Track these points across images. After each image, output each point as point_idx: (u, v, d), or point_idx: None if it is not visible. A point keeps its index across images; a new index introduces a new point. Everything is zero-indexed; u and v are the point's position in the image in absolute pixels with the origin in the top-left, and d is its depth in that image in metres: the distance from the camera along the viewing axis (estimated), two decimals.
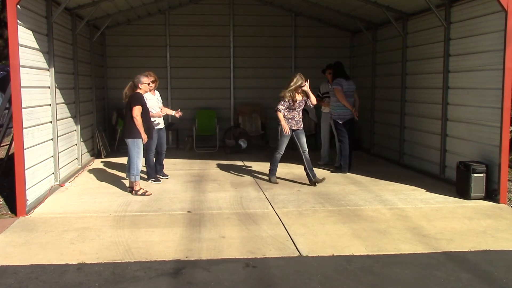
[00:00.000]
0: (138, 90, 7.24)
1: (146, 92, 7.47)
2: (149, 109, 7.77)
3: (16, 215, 6.15)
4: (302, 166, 8.00)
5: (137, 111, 7.07)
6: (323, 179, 7.99)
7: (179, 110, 8.36)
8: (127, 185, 7.56)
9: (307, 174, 7.98)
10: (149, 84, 7.96)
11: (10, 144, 9.20)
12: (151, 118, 7.68)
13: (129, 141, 7.20)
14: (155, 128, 7.97)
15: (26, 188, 6.26)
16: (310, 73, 12.07)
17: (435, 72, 8.51)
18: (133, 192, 7.23)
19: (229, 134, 11.68)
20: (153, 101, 8.03)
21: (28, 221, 5.94)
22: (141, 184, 7.42)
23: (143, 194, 7.18)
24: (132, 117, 7.06)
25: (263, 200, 6.97)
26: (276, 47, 12.51)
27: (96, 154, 10.66)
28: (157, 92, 8.27)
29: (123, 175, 8.37)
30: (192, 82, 12.31)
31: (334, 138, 9.51)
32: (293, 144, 12.56)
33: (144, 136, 7.19)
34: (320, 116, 10.06)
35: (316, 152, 9.90)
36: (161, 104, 8.31)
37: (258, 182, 8.19)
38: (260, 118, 12.26)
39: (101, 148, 10.67)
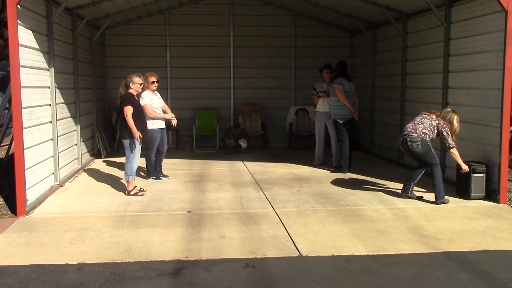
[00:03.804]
0: (130, 90, 7.23)
1: (138, 92, 7.44)
2: (155, 110, 7.84)
3: (16, 215, 6.16)
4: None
5: (127, 111, 7.05)
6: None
7: (173, 121, 8.23)
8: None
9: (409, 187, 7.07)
10: (152, 83, 8.03)
11: (10, 144, 9.20)
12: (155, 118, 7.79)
13: (125, 142, 7.20)
14: (159, 127, 8.00)
15: (26, 188, 6.26)
16: (310, 73, 12.14)
17: (435, 72, 8.50)
18: (126, 192, 7.22)
19: (229, 134, 11.68)
20: (156, 101, 8.07)
21: (28, 221, 5.94)
22: (141, 184, 7.38)
23: (135, 194, 7.16)
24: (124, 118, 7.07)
25: (263, 200, 6.97)
26: (276, 47, 12.50)
27: (96, 154, 10.66)
28: (157, 93, 8.28)
29: (123, 175, 8.35)
30: (192, 82, 12.30)
31: (329, 138, 9.48)
32: (294, 145, 12.51)
33: (136, 135, 7.07)
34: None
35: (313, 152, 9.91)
36: (163, 104, 8.30)
37: (258, 182, 8.19)
38: (260, 118, 12.24)
39: (101, 148, 10.67)
